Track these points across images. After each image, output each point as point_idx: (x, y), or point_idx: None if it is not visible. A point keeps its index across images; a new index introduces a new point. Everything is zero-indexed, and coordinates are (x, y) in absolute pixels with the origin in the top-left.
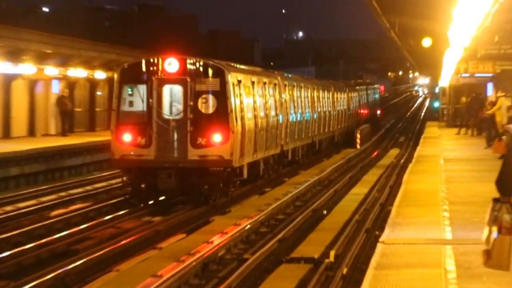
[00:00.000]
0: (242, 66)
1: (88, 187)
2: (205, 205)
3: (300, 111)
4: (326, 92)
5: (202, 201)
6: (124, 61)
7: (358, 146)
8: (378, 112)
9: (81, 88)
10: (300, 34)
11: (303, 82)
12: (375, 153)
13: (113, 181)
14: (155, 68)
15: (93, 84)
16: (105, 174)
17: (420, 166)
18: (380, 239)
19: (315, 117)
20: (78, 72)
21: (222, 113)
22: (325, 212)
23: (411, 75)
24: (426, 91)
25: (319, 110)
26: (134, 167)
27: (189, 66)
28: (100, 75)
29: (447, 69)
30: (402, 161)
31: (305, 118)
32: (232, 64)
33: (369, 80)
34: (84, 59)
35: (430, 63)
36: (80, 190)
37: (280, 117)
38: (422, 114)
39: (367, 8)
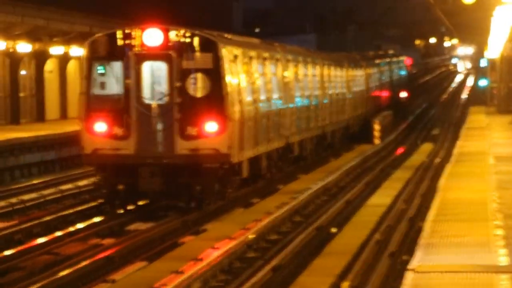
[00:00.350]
0: (238, 38)
1: (13, 200)
2: (197, 210)
3: (307, 93)
4: (339, 69)
5: (193, 205)
6: (55, 28)
7: (377, 141)
8: (404, 94)
9: None
10: None
11: (310, 57)
12: (400, 150)
13: (47, 192)
14: (132, 41)
15: (14, 60)
16: (36, 182)
17: (462, 167)
18: (409, 266)
19: (325, 101)
20: None
21: (217, 96)
22: (334, 230)
23: (447, 44)
24: (468, 66)
25: (331, 92)
26: (109, 164)
27: (174, 38)
28: (24, 47)
29: (498, 35)
30: (437, 160)
31: (314, 103)
32: (227, 35)
33: (392, 51)
34: (0, 25)
35: (475, 27)
36: (1, 204)
37: (285, 101)
38: (464, 96)
39: None
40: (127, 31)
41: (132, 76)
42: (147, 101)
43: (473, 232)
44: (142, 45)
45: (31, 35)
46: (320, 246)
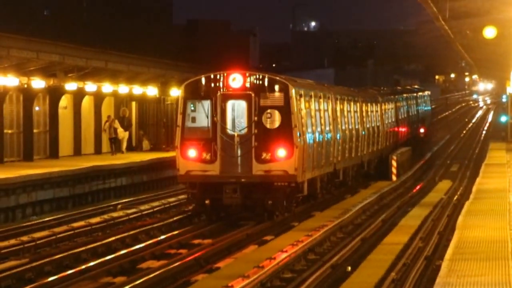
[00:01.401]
0: (302, 80)
1: (24, 238)
2: (269, 220)
3: (350, 127)
4: (374, 104)
5: (266, 217)
6: (70, 63)
7: (394, 178)
8: (422, 130)
9: (11, 102)
10: (313, 24)
11: (351, 95)
12: (418, 187)
13: (58, 229)
14: (218, 83)
15: (28, 96)
16: (48, 218)
17: (482, 204)
18: None
19: (364, 133)
20: (6, 80)
21: (286, 128)
22: (349, 268)
23: (467, 79)
24: (488, 101)
25: (368, 125)
26: (198, 182)
27: (253, 81)
28: (38, 83)
29: None
30: (455, 197)
31: (355, 135)
32: (294, 78)
33: (416, 86)
34: (15, 61)
35: (495, 62)
36: (12, 242)
37: (333, 133)
38: (484, 132)
39: None
40: (215, 76)
41: (219, 112)
42: (230, 132)
43: (492, 271)
44: (227, 87)
45: (46, 71)
46: (335, 285)
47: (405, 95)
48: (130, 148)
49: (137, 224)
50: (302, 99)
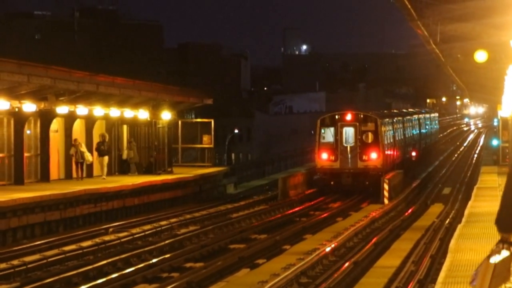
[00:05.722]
0: (382, 112)
1: (15, 262)
2: (365, 192)
3: (401, 138)
4: (410, 122)
5: (363, 190)
6: (62, 87)
7: (386, 201)
8: (414, 153)
9: (2, 126)
10: (304, 47)
11: (400, 116)
12: (410, 210)
13: (49, 253)
14: (339, 117)
15: (19, 120)
16: (39, 242)
17: (473, 228)
18: None
19: (407, 141)
20: None
21: (376, 142)
22: None
23: (458, 103)
24: (480, 124)
25: (407, 135)
26: (327, 172)
27: (358, 116)
28: (29, 107)
29: (510, 94)
30: (447, 221)
31: (403, 143)
32: (379, 113)
33: (426, 109)
34: (6, 85)
35: (486, 86)
36: (3, 266)
37: (396, 143)
38: (475, 155)
39: (395, 11)
40: (337, 114)
41: (339, 134)
42: (345, 145)
43: None
44: (343, 120)
45: (37, 95)
46: None
47: (427, 114)
48: (121, 168)
49: (128, 247)
50: (383, 124)
